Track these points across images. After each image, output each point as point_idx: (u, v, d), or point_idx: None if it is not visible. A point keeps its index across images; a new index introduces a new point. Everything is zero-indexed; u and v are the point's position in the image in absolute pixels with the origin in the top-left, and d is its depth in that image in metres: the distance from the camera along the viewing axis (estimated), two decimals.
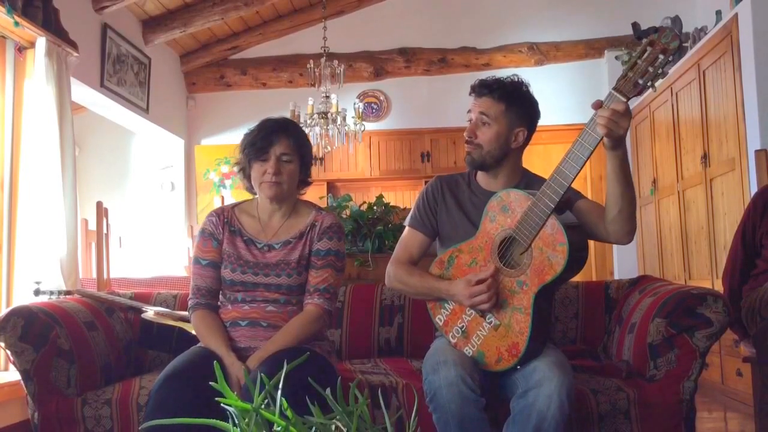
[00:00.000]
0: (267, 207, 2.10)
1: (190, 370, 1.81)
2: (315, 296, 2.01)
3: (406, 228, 2.13)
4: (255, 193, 2.13)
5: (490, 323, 1.83)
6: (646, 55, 1.62)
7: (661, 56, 1.60)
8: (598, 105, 1.68)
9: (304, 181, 2.13)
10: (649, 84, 1.63)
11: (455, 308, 1.92)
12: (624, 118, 1.64)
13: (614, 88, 1.66)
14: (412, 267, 2.05)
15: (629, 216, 1.80)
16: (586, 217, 1.91)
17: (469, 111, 2.03)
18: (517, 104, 1.98)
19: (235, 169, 2.15)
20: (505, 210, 1.85)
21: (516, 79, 2.02)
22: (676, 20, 5.18)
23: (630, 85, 1.64)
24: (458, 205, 2.07)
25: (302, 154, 2.07)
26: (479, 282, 1.81)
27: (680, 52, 4.85)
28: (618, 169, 1.76)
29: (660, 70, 1.62)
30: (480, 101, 2.00)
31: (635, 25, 1.65)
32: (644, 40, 1.63)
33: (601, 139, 1.67)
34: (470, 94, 2.04)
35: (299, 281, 2.03)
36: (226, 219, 2.10)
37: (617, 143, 1.71)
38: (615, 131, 1.65)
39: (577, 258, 1.76)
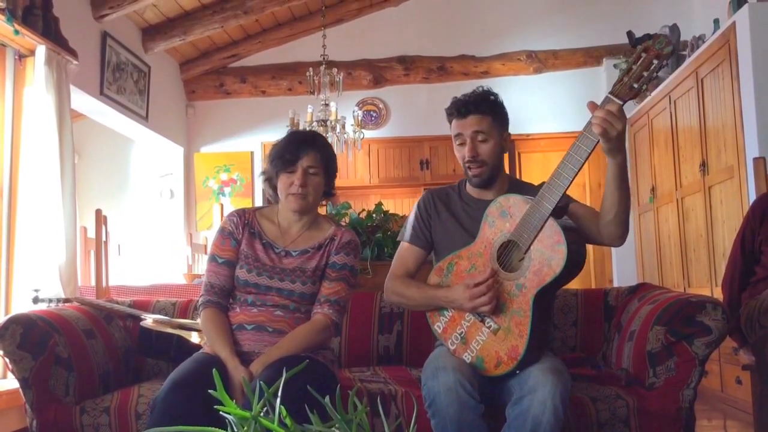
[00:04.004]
0: (288, 216, 2.11)
1: (195, 377, 1.79)
2: (325, 306, 2.01)
3: (402, 243, 2.16)
4: (277, 202, 2.14)
5: (489, 328, 1.84)
6: (641, 60, 1.68)
7: (656, 61, 1.66)
8: (593, 107, 1.72)
9: (328, 192, 2.15)
10: (644, 88, 1.69)
11: (454, 315, 1.93)
12: (618, 120, 1.69)
13: (610, 92, 1.71)
14: (408, 279, 2.07)
15: (623, 221, 1.87)
16: (579, 219, 1.96)
17: (458, 134, 2.03)
18: (497, 111, 2.04)
19: (261, 177, 2.16)
20: (504, 215, 1.87)
21: (485, 89, 2.07)
22: (674, 28, 5.19)
23: (626, 89, 1.69)
24: (452, 216, 2.09)
25: (327, 167, 2.09)
26: (478, 285, 1.82)
27: (678, 60, 4.88)
28: (616, 176, 1.82)
29: (654, 75, 1.68)
30: (468, 121, 2.01)
31: (630, 34, 1.73)
32: (639, 47, 1.68)
33: (598, 142, 1.72)
34: (451, 117, 2.05)
35: (312, 290, 2.03)
36: (247, 220, 2.11)
37: (615, 148, 1.75)
38: (609, 132, 1.69)
39: (575, 260, 1.78)
